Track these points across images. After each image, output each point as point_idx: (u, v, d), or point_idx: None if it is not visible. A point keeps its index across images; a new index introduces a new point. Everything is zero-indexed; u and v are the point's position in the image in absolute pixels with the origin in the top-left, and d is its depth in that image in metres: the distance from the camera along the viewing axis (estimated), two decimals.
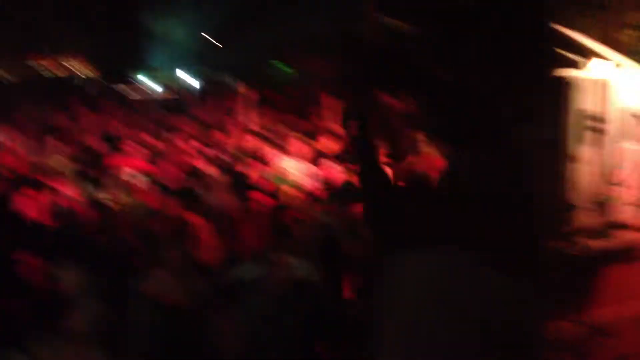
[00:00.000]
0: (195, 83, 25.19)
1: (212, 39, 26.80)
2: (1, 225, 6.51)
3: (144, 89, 24.04)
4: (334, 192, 7.36)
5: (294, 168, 8.46)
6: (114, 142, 10.88)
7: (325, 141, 9.73)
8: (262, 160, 9.18)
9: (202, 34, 25.34)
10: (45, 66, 32.24)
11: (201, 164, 9.15)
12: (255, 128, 11.35)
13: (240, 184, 8.04)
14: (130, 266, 5.58)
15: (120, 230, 6.39)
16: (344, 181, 7.53)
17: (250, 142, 10.43)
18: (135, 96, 19.87)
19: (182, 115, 14.26)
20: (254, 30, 22.19)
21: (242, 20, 22.97)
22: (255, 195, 7.61)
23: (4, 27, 24.56)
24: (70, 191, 7.73)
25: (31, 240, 5.85)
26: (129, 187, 7.88)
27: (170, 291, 5.06)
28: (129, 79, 26.27)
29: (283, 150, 9.41)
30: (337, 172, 8.01)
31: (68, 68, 33.56)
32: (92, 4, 25.62)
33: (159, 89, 17.65)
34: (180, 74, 26.06)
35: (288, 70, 25.13)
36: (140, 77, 26.95)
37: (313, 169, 8.49)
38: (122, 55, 26.64)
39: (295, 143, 9.36)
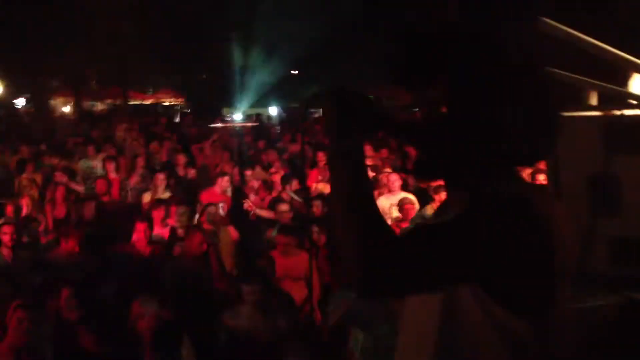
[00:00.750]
0: (280, 117, 25.66)
1: (298, 73, 27.36)
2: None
3: (231, 122, 24.62)
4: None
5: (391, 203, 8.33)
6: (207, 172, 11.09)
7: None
8: None
9: (288, 69, 25.85)
10: (137, 98, 33.85)
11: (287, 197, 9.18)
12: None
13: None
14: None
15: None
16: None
17: None
18: (223, 127, 20.41)
19: (269, 148, 14.43)
20: (339, 61, 22.44)
21: (326, 53, 23.30)
22: None
23: (98, 62, 25.89)
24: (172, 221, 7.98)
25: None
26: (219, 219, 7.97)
27: (255, 327, 5.06)
28: (217, 113, 26.99)
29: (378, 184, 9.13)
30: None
31: (156, 99, 35.15)
32: (182, 43, 26.56)
33: (246, 122, 18.10)
34: (267, 109, 26.70)
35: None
36: (228, 111, 27.69)
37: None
38: (211, 90, 27.53)
39: (390, 177, 9.09)
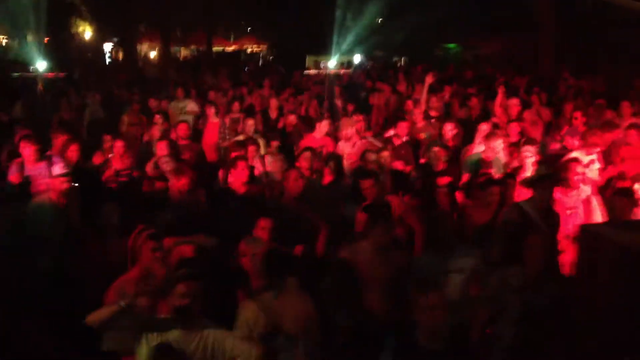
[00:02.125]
0: (362, 65, 25.18)
1: (383, 21, 26.69)
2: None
3: (316, 69, 24.34)
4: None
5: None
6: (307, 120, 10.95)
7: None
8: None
9: (375, 18, 25.22)
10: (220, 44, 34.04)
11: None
12: (435, 113, 10.81)
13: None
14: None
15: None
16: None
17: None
18: (308, 75, 20.20)
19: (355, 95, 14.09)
20: (426, 10, 21.77)
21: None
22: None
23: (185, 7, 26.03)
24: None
25: None
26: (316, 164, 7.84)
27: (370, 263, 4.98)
28: (301, 60, 26.74)
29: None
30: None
31: (239, 46, 35.28)
32: None
33: (332, 69, 17.76)
34: (352, 57, 26.21)
35: (458, 51, 24.51)
36: (313, 59, 27.39)
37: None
38: (295, 37, 27.24)
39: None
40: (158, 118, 10.14)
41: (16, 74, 11.62)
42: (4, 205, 6.58)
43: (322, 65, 23.30)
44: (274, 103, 12.02)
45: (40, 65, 12.96)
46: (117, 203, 6.52)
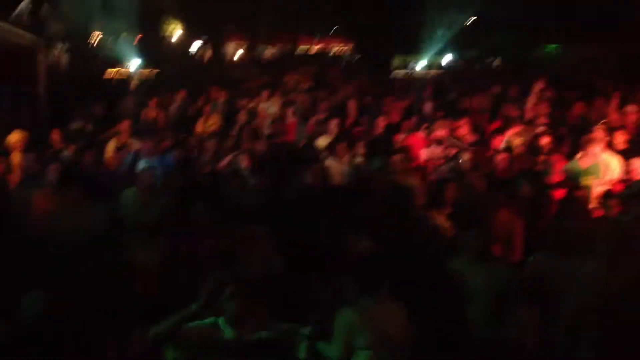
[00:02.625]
0: (453, 66, 24.61)
1: (476, 19, 26.01)
2: None
3: (405, 70, 24.01)
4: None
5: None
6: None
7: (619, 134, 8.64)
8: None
9: (465, 17, 24.61)
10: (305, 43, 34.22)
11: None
12: (542, 119, 10.26)
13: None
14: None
15: None
16: None
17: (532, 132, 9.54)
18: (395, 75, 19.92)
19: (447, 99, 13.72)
20: (523, 7, 21.01)
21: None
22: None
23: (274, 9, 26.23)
24: None
25: None
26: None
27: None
28: (388, 61, 26.41)
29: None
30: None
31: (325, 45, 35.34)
32: None
33: (421, 70, 17.44)
34: (442, 57, 25.67)
35: (558, 53, 23.53)
36: (400, 60, 27.04)
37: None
38: (382, 38, 26.88)
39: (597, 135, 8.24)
40: (242, 116, 10.32)
41: (111, 69, 12.03)
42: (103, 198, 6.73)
43: (410, 65, 22.97)
44: (352, 104, 11.86)
45: (134, 62, 13.32)
46: (206, 199, 6.53)
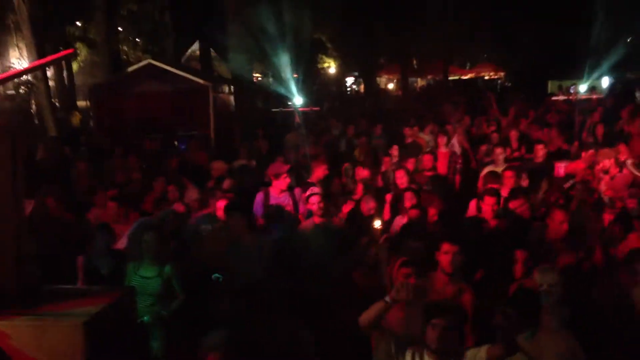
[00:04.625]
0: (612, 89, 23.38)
1: (633, 39, 24.70)
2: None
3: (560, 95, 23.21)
4: None
5: None
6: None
7: None
8: None
9: (624, 36, 23.41)
10: (456, 73, 34.04)
11: None
12: None
13: None
14: None
15: None
16: None
17: None
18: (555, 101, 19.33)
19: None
20: None
21: None
22: None
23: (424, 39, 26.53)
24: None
25: None
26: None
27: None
28: (542, 86, 25.73)
29: None
30: None
31: (476, 73, 34.96)
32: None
33: (581, 94, 16.82)
34: (600, 80, 24.50)
35: None
36: (556, 84, 26.20)
37: None
38: (536, 63, 26.32)
39: None
40: (395, 149, 10.44)
41: (276, 109, 12.76)
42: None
43: (571, 89, 22.17)
44: (514, 133, 11.67)
45: (297, 100, 14.09)
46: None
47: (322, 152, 11.44)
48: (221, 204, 6.83)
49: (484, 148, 11.55)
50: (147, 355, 4.32)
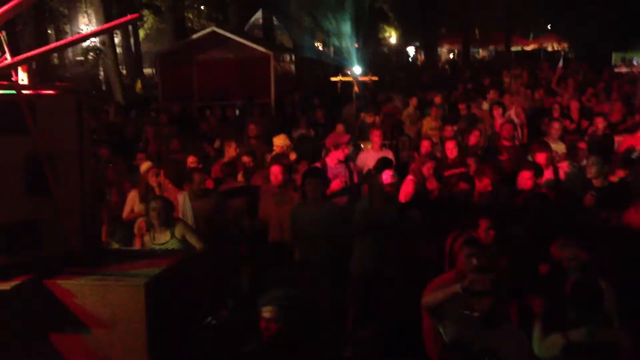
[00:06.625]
0: None
1: None
2: None
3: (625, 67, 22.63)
4: None
5: None
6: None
7: None
8: None
9: None
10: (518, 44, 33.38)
11: None
12: None
13: None
14: None
15: None
16: None
17: None
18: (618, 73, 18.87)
19: None
20: None
21: None
22: None
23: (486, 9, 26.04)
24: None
25: None
26: None
27: None
28: (606, 58, 25.09)
29: None
30: None
31: (539, 44, 34.20)
32: None
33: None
34: None
35: None
36: (620, 56, 25.58)
37: None
38: (600, 35, 25.63)
39: None
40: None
41: (335, 78, 12.86)
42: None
43: (634, 62, 21.63)
44: (574, 105, 11.54)
45: (356, 69, 14.19)
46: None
47: (382, 121, 11.56)
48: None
49: (545, 120, 11.49)
50: (204, 315, 4.40)
